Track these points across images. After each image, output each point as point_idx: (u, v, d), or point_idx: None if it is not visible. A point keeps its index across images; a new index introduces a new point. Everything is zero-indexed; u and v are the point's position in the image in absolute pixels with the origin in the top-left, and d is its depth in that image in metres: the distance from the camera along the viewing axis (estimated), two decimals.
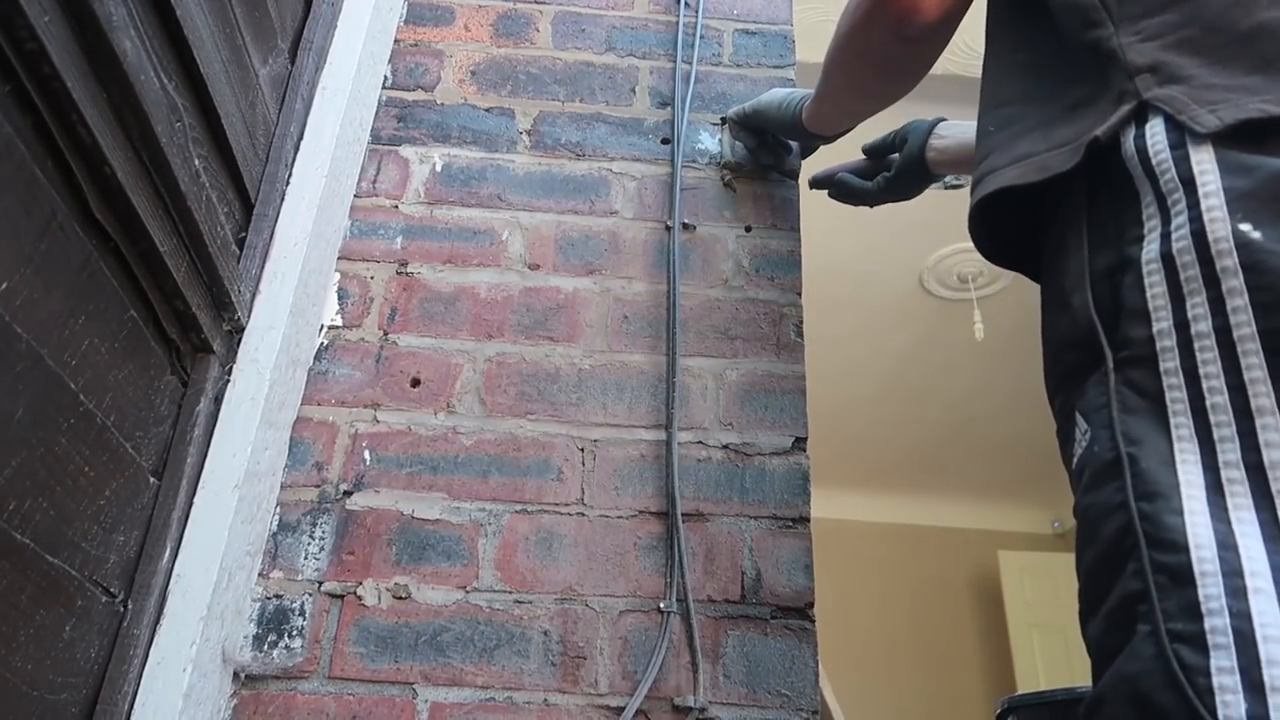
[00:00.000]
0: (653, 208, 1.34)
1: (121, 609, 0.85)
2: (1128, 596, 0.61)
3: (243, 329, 1.01)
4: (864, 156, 1.36)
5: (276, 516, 1.09)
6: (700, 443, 1.17)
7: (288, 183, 1.11)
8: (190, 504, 0.93)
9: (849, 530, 5.69)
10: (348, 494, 1.11)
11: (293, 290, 1.06)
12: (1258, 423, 0.60)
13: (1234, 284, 0.62)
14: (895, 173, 1.27)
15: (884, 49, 0.99)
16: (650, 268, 1.29)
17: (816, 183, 1.39)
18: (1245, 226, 0.63)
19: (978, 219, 0.84)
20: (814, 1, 2.76)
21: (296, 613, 1.04)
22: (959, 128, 1.24)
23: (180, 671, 0.86)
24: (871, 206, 1.34)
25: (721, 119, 1.41)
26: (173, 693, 0.85)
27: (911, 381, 4.88)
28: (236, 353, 1.01)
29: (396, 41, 1.45)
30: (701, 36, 1.48)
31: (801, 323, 1.26)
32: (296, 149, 1.14)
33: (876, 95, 1.13)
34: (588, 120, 1.41)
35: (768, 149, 1.37)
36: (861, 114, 1.22)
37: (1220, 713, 0.54)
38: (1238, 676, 0.55)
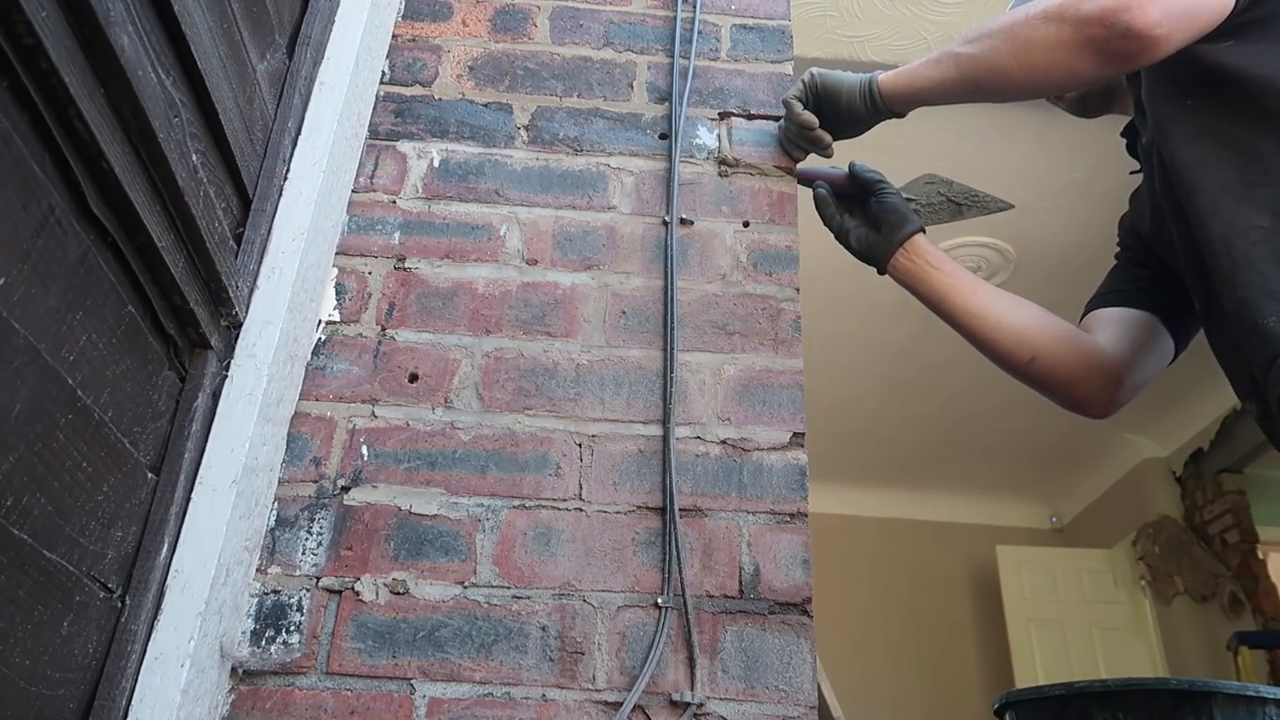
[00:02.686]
0: (650, 203, 1.34)
1: (119, 604, 0.85)
2: None
3: (240, 324, 1.01)
4: (848, 171, 1.37)
5: (274, 512, 1.09)
6: (698, 438, 1.17)
7: (285, 178, 1.11)
8: (188, 499, 0.93)
9: (847, 525, 5.70)
10: (345, 489, 1.11)
11: (290, 285, 1.06)
12: None
13: None
14: (856, 249, 1.35)
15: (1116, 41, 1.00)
16: (648, 263, 1.29)
17: (802, 178, 1.39)
18: None
19: None
20: None
21: (294, 608, 1.04)
22: (932, 254, 1.30)
23: (178, 667, 0.86)
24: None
25: (784, 101, 1.36)
26: (170, 688, 0.85)
27: (910, 376, 4.89)
28: (234, 348, 1.01)
29: (394, 36, 1.45)
30: (699, 31, 1.48)
31: (799, 318, 1.26)
32: (294, 144, 1.14)
33: (1060, 82, 1.12)
34: (585, 115, 1.41)
35: (810, 140, 1.35)
36: (994, 97, 1.21)
37: None
38: None
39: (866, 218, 1.35)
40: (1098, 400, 1.28)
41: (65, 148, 0.69)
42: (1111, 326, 1.29)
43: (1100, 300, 1.34)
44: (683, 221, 1.32)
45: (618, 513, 1.12)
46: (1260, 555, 4.55)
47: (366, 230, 1.28)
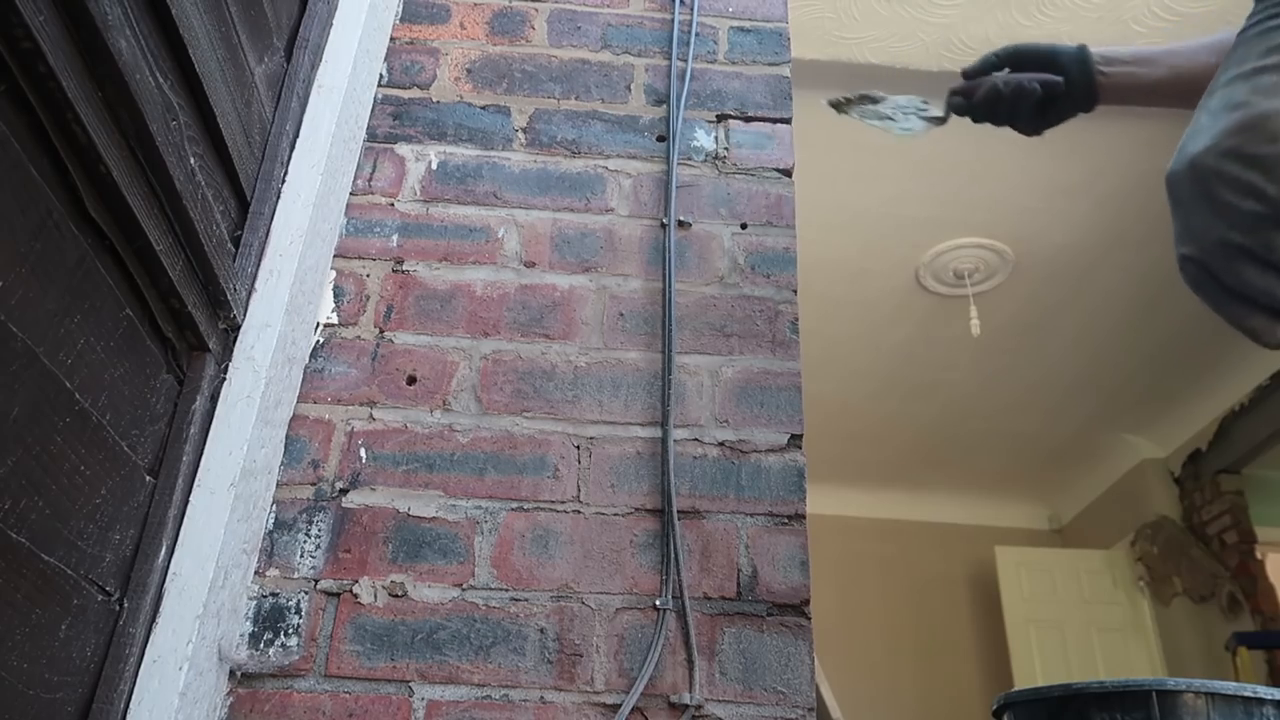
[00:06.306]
0: (648, 205, 1.34)
1: (117, 607, 0.85)
2: None
3: (239, 327, 1.01)
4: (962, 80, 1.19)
5: (272, 514, 1.09)
6: (696, 440, 1.17)
7: (284, 181, 1.11)
8: (186, 502, 0.93)
9: (846, 526, 5.70)
10: (344, 491, 1.11)
11: (289, 288, 1.06)
12: None
13: None
14: (1064, 114, 1.14)
15: None
16: (646, 265, 1.29)
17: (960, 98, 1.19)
18: None
19: None
20: None
21: (292, 611, 1.04)
22: (1113, 56, 1.12)
23: (176, 670, 0.86)
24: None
25: (963, 71, 1.19)
26: (169, 691, 0.85)
27: (908, 378, 4.89)
28: (232, 351, 1.01)
29: (392, 39, 1.45)
30: (697, 34, 1.48)
31: (797, 319, 1.26)
32: (292, 147, 1.14)
33: None
34: (583, 117, 1.41)
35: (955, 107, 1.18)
36: None
37: None
38: None
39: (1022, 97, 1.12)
40: None
41: (63, 151, 0.69)
42: None
43: None
44: (680, 224, 1.32)
45: (616, 514, 1.12)
46: (1258, 555, 4.56)
47: (364, 233, 1.28)
